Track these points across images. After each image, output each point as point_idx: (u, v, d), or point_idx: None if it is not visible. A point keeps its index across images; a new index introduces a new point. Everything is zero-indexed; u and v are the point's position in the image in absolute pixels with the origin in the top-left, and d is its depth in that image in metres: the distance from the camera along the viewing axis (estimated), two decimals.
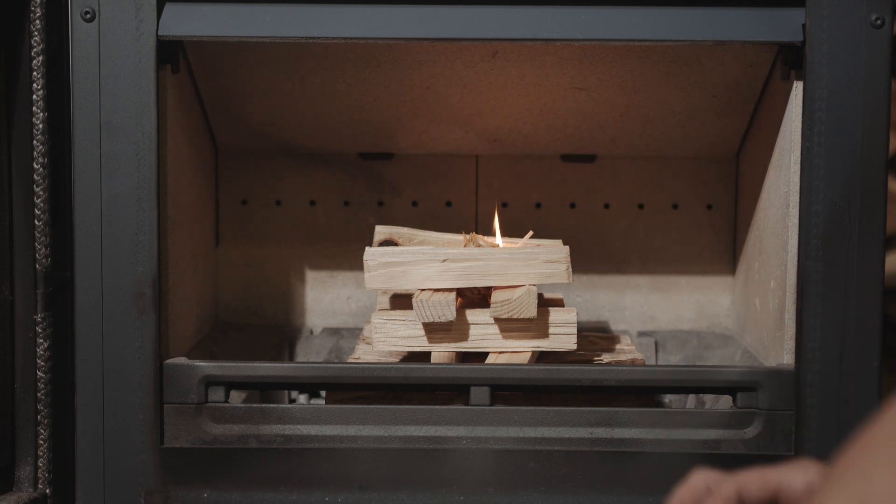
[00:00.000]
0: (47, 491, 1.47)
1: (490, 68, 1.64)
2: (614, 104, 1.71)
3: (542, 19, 1.45)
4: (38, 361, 1.46)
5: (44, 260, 1.45)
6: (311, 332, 1.89)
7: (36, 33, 1.41)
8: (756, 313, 1.70)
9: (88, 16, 1.44)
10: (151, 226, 1.46)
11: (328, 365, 1.56)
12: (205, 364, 1.49)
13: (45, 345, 1.45)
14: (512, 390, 1.51)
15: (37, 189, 1.44)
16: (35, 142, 1.43)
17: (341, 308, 1.91)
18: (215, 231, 1.87)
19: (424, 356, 1.53)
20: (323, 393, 1.79)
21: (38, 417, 1.46)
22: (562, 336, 1.51)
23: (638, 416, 1.48)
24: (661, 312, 1.91)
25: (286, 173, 1.88)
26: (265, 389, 1.75)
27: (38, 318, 1.45)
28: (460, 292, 1.55)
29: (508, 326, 1.51)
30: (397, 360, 1.57)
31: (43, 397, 1.46)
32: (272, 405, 1.51)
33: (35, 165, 1.43)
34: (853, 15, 1.43)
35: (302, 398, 1.84)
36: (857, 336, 1.46)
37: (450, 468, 1.48)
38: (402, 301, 1.66)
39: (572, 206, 1.89)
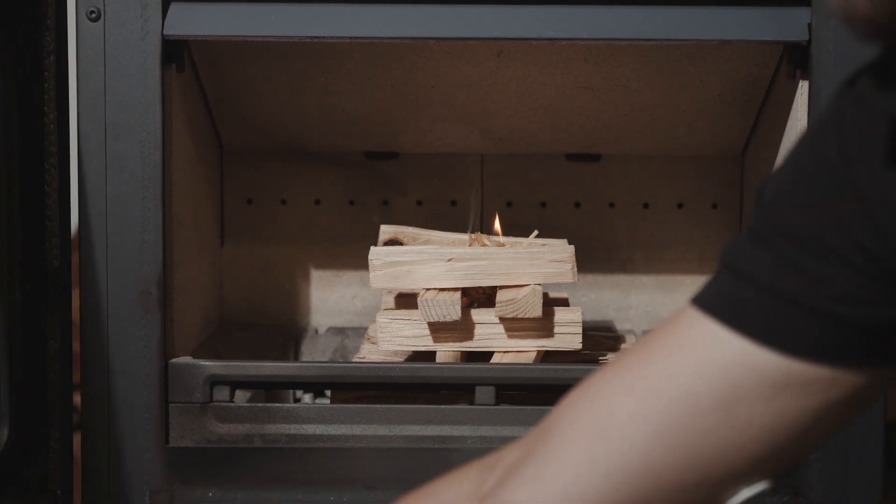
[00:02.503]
0: (56, 491, 1.47)
1: (495, 67, 1.64)
2: (619, 103, 1.71)
3: (548, 18, 1.45)
4: (46, 361, 1.45)
5: (53, 261, 1.44)
6: (316, 332, 1.89)
7: (47, 33, 1.41)
8: None
9: (94, 15, 1.44)
10: (157, 225, 1.46)
11: (333, 364, 1.56)
12: (210, 363, 1.49)
13: (55, 346, 1.45)
14: (517, 390, 1.51)
15: (47, 189, 1.43)
16: (45, 142, 1.43)
17: (346, 307, 1.91)
18: (220, 230, 1.87)
19: (429, 356, 1.53)
20: (328, 392, 1.79)
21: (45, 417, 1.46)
22: (567, 336, 1.51)
23: None
24: (666, 312, 1.90)
25: (291, 172, 1.88)
26: (270, 389, 1.75)
27: (47, 318, 1.45)
28: (465, 291, 1.54)
29: (514, 326, 1.51)
30: (402, 359, 1.57)
31: (50, 397, 1.46)
32: (277, 404, 1.51)
33: (46, 166, 1.43)
34: None
35: (307, 398, 1.84)
36: None
37: (455, 468, 1.48)
38: (407, 300, 1.66)
39: (577, 205, 1.89)
